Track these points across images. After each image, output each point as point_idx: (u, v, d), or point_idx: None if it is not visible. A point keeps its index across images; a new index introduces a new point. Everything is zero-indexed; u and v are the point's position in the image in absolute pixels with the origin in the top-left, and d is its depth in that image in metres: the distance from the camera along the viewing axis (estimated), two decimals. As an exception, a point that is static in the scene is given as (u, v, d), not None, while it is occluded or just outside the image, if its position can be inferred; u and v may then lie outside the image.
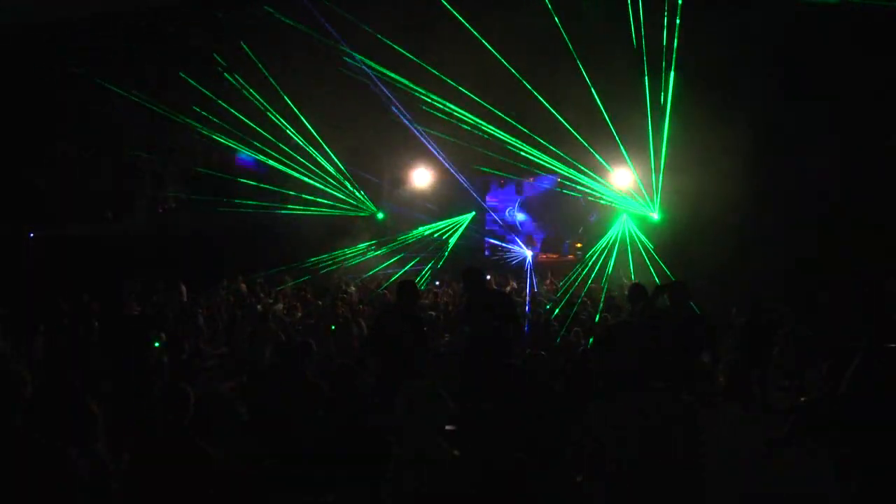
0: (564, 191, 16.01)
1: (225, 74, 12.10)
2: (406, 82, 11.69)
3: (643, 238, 14.83)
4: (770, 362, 8.13)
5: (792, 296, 10.20)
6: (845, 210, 11.93)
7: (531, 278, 14.60)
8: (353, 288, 12.98)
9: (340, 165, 15.46)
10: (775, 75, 10.83)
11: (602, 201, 16.10)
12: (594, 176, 15.18)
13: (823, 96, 10.85)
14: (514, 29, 10.58)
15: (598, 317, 9.71)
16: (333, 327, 9.20)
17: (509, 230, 19.60)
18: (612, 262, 15.01)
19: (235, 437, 4.24)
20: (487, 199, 19.59)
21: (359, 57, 11.60)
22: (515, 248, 18.43)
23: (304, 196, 15.65)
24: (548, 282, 15.12)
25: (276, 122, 13.54)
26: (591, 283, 13.91)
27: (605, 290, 12.39)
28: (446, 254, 16.27)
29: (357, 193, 16.30)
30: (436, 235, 16.92)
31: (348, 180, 15.96)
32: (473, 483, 3.23)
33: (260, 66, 12.02)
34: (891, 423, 3.22)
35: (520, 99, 11.77)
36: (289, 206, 15.64)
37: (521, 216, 19.69)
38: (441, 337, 9.24)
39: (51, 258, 14.45)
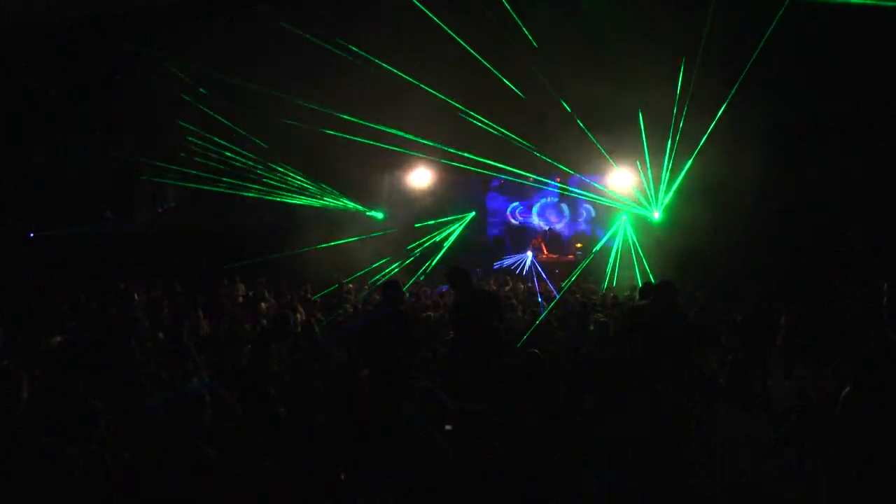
0: None
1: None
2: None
3: (634, 239, 14.85)
4: (770, 361, 8.12)
5: (794, 294, 10.20)
6: (850, 209, 11.94)
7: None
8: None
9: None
10: (790, 72, 10.80)
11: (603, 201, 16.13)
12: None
13: (834, 95, 10.85)
14: (515, 24, 10.54)
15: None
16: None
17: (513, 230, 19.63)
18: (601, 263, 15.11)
19: (235, 437, 4.23)
20: (488, 198, 19.63)
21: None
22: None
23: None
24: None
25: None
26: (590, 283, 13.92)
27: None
28: (440, 253, 16.28)
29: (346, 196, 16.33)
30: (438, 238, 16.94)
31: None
32: (470, 481, 3.23)
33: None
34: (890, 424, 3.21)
35: (518, 98, 11.75)
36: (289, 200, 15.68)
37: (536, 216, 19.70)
38: (443, 336, 9.22)
39: (51, 258, 14.48)
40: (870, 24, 9.42)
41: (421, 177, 17.31)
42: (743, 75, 10.29)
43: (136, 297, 6.94)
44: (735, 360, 7.84)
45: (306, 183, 15.70)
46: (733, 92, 10.63)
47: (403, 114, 12.19)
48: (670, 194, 14.11)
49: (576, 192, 17.31)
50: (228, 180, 14.64)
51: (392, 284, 6.28)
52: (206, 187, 14.75)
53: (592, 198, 16.86)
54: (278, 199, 15.54)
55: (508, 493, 3.69)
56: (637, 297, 8.47)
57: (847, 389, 3.36)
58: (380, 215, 17.08)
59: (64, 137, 14.02)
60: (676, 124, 12.07)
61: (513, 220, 19.85)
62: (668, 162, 13.31)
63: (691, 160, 12.55)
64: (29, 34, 11.93)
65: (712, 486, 4.56)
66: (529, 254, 17.86)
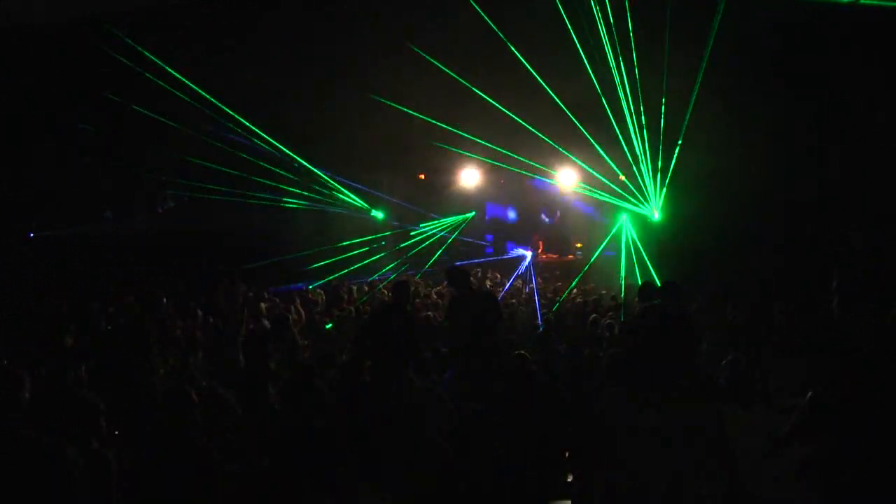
0: None
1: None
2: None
3: (635, 239, 14.83)
4: (770, 361, 8.13)
5: (794, 294, 10.20)
6: (850, 209, 11.93)
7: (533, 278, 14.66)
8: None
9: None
10: (779, 73, 10.81)
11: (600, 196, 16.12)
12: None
13: (825, 95, 10.85)
14: (512, 24, 10.54)
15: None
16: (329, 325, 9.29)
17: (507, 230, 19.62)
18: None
19: (235, 437, 4.24)
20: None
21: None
22: (517, 248, 18.45)
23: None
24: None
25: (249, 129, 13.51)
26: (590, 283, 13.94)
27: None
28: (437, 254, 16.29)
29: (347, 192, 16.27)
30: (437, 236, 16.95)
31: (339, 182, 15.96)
32: (469, 482, 3.23)
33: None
34: (883, 423, 3.22)
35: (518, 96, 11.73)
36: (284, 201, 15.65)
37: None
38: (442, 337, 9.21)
39: (51, 258, 14.48)
40: (873, 24, 9.43)
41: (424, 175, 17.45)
42: (705, 66, 10.28)
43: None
44: (735, 360, 7.86)
45: (310, 177, 15.66)
46: (697, 78, 10.57)
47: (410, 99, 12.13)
48: (662, 196, 14.10)
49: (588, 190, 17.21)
50: (225, 188, 14.63)
51: (401, 285, 6.33)
52: (205, 196, 14.75)
53: (593, 196, 16.81)
54: (280, 204, 15.56)
55: (508, 493, 3.69)
56: (636, 298, 8.49)
57: (810, 393, 3.35)
58: (380, 215, 17.08)
59: (64, 138, 14.02)
60: (671, 121, 12.08)
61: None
62: (660, 160, 13.33)
63: (675, 157, 12.58)
64: (29, 34, 11.94)
65: (712, 487, 4.55)
66: (529, 253, 17.86)
